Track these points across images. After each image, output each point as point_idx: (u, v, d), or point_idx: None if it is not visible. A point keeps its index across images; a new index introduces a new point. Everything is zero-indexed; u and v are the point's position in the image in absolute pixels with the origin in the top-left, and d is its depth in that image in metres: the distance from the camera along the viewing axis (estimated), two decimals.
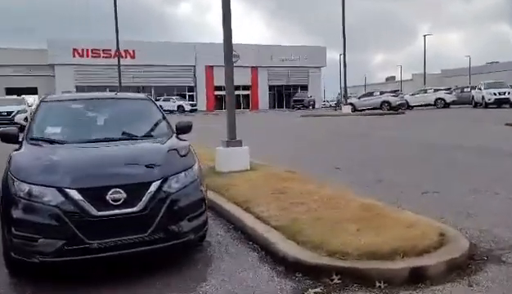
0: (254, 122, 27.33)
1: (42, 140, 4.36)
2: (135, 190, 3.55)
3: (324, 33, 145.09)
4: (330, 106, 56.42)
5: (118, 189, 3.48)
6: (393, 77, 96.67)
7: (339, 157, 10.54)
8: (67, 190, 3.39)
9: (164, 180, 3.71)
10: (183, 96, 50.09)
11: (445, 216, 4.97)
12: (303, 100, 51.16)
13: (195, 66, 52.11)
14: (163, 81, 50.80)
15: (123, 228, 3.49)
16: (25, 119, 20.07)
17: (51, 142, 4.32)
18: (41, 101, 5.09)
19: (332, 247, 3.87)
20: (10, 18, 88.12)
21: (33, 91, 44.44)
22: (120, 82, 29.40)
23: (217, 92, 54.06)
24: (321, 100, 62.01)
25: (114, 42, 46.42)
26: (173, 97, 47.17)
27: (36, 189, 3.42)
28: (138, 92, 50.89)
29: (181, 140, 4.82)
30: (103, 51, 47.86)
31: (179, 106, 44.82)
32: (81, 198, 3.39)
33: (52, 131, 4.60)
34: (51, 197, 3.38)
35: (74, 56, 48.18)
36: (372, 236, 4.03)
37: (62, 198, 3.37)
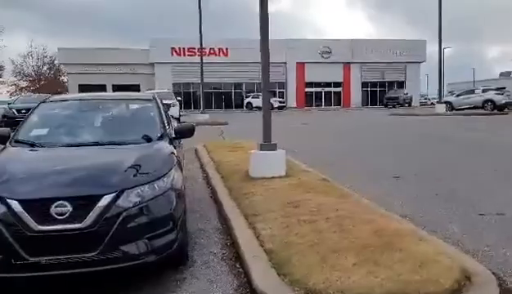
0: (334, 121, 26.25)
1: (24, 143, 4.26)
2: (82, 204, 3.25)
3: (428, 25, 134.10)
4: (432, 104, 52.32)
5: (63, 202, 3.21)
6: (509, 73, 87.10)
7: (403, 163, 9.45)
8: (8, 201, 3.19)
9: (120, 192, 3.35)
10: (273, 93, 50.10)
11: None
12: (397, 98, 48.09)
13: (285, 63, 51.76)
14: (255, 78, 51.21)
15: (69, 245, 3.22)
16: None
17: (32, 145, 4.21)
18: (40, 102, 5.06)
19: (311, 284, 3.23)
20: (114, 19, 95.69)
21: (135, 88, 47.66)
22: (202, 80, 29.97)
23: (308, 89, 53.28)
24: (419, 97, 57.87)
25: (209, 41, 47.97)
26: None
27: None
28: (230, 90, 52.07)
29: (174, 145, 4.46)
30: (198, 49, 49.62)
31: None
32: (21, 209, 3.16)
33: (37, 133, 4.49)
34: None
35: (172, 55, 50.67)
36: (368, 274, 3.31)
37: (4, 209, 3.18)
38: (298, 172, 7.33)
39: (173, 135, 4.70)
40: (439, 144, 13.25)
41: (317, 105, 52.83)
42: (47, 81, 68.33)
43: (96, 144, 4.22)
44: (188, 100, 47.25)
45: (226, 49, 50.32)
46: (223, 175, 7.46)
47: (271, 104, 44.75)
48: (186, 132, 4.86)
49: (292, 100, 51.89)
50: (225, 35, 43.68)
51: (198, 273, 3.89)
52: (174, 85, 48.79)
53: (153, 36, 54.25)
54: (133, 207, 3.38)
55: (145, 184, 3.52)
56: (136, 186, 3.46)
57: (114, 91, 50.16)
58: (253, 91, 49.48)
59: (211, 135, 16.09)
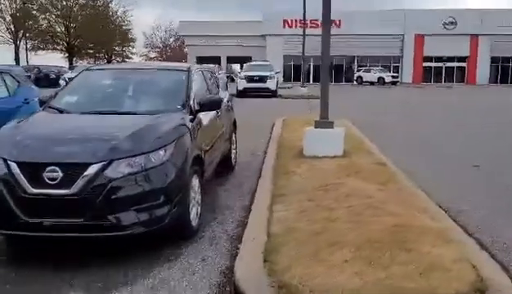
0: (449, 100, 23.91)
1: (54, 109, 4.51)
2: (71, 171, 3.35)
3: None
4: None
5: (55, 168, 3.34)
6: None
7: (493, 150, 8.23)
8: (9, 162, 3.41)
9: (109, 162, 3.38)
10: (387, 67, 47.36)
11: None
12: None
13: (403, 35, 48.29)
14: (368, 51, 48.83)
15: (59, 210, 3.37)
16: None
17: (60, 111, 4.45)
18: (84, 70, 5.30)
19: (287, 277, 2.96)
20: None
21: (247, 60, 48.79)
22: (303, 53, 29.36)
23: (426, 63, 49.26)
24: None
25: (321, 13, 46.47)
26: (374, 68, 45.08)
27: None
28: (341, 63, 50.31)
29: (194, 118, 4.38)
30: (310, 21, 48.70)
31: (379, 78, 42.61)
32: (18, 171, 3.36)
33: (67, 100, 4.72)
34: None
35: (284, 27, 50.51)
36: (355, 274, 2.93)
37: (5, 170, 3.41)
38: (358, 153, 6.80)
39: (197, 108, 4.59)
40: None
41: (438, 81, 48.69)
42: (172, 52, 73.53)
43: (114, 112, 4.31)
44: (298, 73, 46.95)
45: (339, 21, 48.49)
46: (279, 152, 7.25)
47: (383, 79, 42.43)
48: (211, 105, 4.75)
49: (407, 76, 48.52)
50: (338, 6, 41.91)
51: (196, 251, 3.82)
52: (285, 57, 48.78)
53: (266, 8, 54.59)
54: (122, 177, 3.39)
55: (138, 155, 3.49)
56: (127, 157, 3.46)
57: (227, 62, 52.11)
58: (366, 65, 47.31)
59: (301, 109, 15.75)
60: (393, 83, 42.12)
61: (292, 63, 48.32)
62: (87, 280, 3.27)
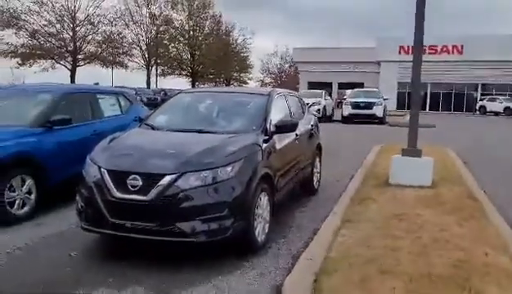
0: None
1: (148, 125, 5.11)
2: (149, 180, 3.79)
3: None
4: None
5: (135, 176, 3.82)
6: None
7: None
8: (102, 169, 3.99)
9: (181, 174, 3.78)
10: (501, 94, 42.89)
11: None
12: None
13: None
14: (493, 78, 44.95)
15: (137, 214, 3.82)
16: (318, 110, 22.25)
17: (152, 128, 5.03)
18: (178, 93, 5.89)
19: None
20: (352, 17, 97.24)
21: (360, 86, 48.14)
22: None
23: None
24: None
25: (440, 39, 44.43)
26: (500, 97, 41.11)
27: (89, 165, 4.17)
28: (462, 91, 46.87)
29: (268, 139, 4.65)
30: (429, 47, 46.53)
31: (506, 108, 38.72)
32: (108, 177, 3.91)
33: (160, 118, 5.29)
34: (93, 173, 4.05)
35: (399, 53, 48.92)
36: None
37: (98, 176, 3.99)
38: (449, 186, 6.42)
39: (273, 130, 4.84)
40: None
41: None
42: (287, 77, 75.70)
43: (195, 130, 4.75)
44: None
45: (462, 46, 45.55)
46: (365, 178, 7.15)
47: (510, 109, 38.16)
48: (286, 127, 4.97)
49: None
50: (460, 30, 39.27)
51: (257, 265, 4.01)
52: (399, 84, 47.09)
53: (380, 34, 53.49)
54: (190, 189, 3.76)
55: (206, 170, 3.84)
56: (196, 171, 3.82)
57: (339, 88, 51.96)
58: (491, 94, 43.46)
59: (405, 137, 15.10)
60: (510, 114, 37.93)
61: (407, 90, 46.37)
62: (155, 279, 3.66)
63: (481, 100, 43.07)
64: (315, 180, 6.73)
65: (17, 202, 5.18)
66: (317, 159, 6.84)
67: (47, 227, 5.02)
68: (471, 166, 9.02)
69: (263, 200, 4.37)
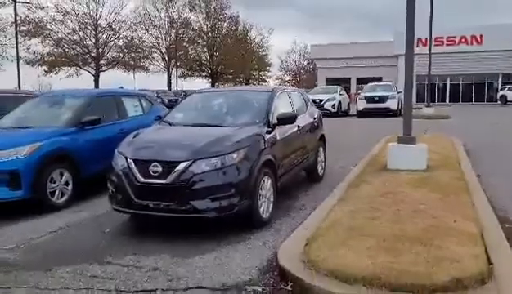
0: None
1: (166, 122, 5.92)
2: (167, 166, 4.54)
3: None
4: None
5: (156, 163, 4.57)
6: None
7: None
8: (128, 159, 4.76)
9: (193, 161, 4.51)
10: None
11: None
12: None
13: None
14: None
15: (158, 195, 4.58)
16: (333, 106, 22.74)
17: (170, 124, 5.82)
18: (193, 92, 6.67)
19: (313, 256, 3.70)
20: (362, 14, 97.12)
21: (378, 80, 48.17)
22: (430, 70, 28.19)
23: None
24: None
25: (459, 30, 44.09)
26: None
27: (117, 156, 4.95)
28: (482, 81, 46.38)
29: (270, 130, 5.34)
30: (447, 38, 46.31)
31: None
32: (133, 166, 4.68)
33: (177, 115, 6.13)
34: (121, 163, 4.83)
35: (417, 46, 48.66)
36: (369, 257, 3.52)
37: (125, 165, 4.77)
38: (444, 170, 6.97)
39: (275, 122, 5.54)
40: None
41: None
42: (306, 75, 76.14)
43: (206, 125, 5.53)
44: (432, 93, 44.73)
45: (481, 36, 45.14)
46: (366, 166, 7.76)
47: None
48: (286, 119, 5.65)
49: None
50: (477, 21, 38.97)
51: (261, 236, 4.73)
52: (418, 76, 46.91)
53: (397, 28, 53.23)
54: (202, 173, 4.50)
55: (215, 157, 4.57)
56: (206, 158, 4.55)
57: (357, 83, 52.05)
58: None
59: (416, 129, 15.47)
60: None
61: (426, 83, 46.22)
62: (173, 249, 4.40)
63: (501, 89, 42.65)
64: (319, 167, 7.39)
65: (57, 192, 6.03)
66: (321, 149, 7.50)
67: (82, 213, 5.86)
68: (473, 154, 9.50)
69: (267, 183, 5.08)
